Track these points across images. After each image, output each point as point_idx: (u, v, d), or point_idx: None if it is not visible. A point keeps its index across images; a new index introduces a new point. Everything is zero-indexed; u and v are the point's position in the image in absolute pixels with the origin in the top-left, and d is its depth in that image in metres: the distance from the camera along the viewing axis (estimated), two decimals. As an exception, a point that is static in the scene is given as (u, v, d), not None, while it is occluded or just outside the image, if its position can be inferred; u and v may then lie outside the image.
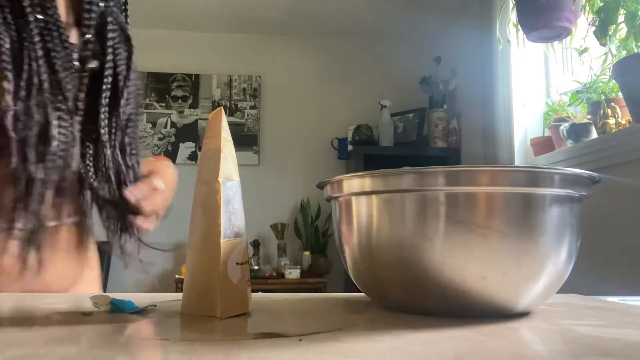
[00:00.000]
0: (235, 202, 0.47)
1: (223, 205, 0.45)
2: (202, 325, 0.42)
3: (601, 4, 1.47)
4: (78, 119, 0.71)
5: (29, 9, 0.67)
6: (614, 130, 1.62)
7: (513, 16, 1.74)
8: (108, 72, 0.75)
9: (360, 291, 0.53)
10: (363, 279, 0.49)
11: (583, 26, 1.57)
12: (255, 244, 3.33)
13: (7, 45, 0.65)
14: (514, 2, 1.70)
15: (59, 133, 0.67)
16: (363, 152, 3.19)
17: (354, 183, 0.47)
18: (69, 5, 0.76)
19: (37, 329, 0.38)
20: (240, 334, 0.39)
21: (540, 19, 1.54)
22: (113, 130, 0.75)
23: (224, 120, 0.48)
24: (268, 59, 3.58)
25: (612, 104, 1.65)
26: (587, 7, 1.54)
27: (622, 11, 1.42)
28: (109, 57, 0.75)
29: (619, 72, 1.50)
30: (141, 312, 0.46)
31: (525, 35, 1.67)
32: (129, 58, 0.78)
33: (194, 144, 3.48)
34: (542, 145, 2.15)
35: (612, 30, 1.45)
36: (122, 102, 0.75)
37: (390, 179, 0.44)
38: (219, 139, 0.47)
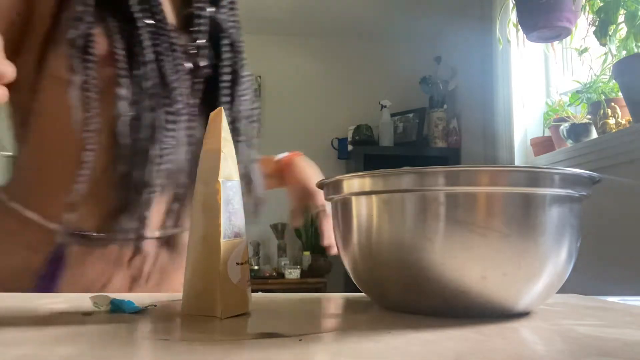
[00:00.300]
0: (235, 202, 0.47)
1: (223, 206, 0.45)
2: (202, 325, 0.42)
3: (601, 4, 1.47)
4: (188, 122, 0.70)
5: (138, 15, 0.67)
6: (614, 130, 1.62)
7: (513, 16, 1.74)
8: (224, 72, 0.75)
9: (360, 291, 0.53)
10: (363, 279, 0.49)
11: (583, 26, 1.57)
12: (255, 244, 3.33)
13: (122, 52, 0.65)
14: (514, 2, 1.70)
15: (167, 137, 0.67)
16: (363, 152, 3.19)
17: (354, 183, 0.47)
18: (177, 10, 0.76)
19: (37, 329, 0.38)
20: (240, 334, 0.39)
21: (540, 19, 1.54)
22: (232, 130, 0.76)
23: (224, 121, 0.48)
24: (268, 59, 3.58)
25: (612, 104, 1.65)
26: (587, 7, 1.54)
27: (622, 11, 1.42)
28: (223, 60, 0.75)
29: (619, 72, 1.50)
30: (141, 312, 0.46)
31: (525, 35, 1.67)
32: (240, 59, 0.79)
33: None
34: (542, 145, 2.15)
35: (612, 30, 1.45)
36: (237, 102, 0.76)
37: (390, 179, 0.44)
38: (218, 139, 0.47)
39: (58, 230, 0.67)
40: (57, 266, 0.67)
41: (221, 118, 0.48)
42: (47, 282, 0.67)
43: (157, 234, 0.72)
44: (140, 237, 0.68)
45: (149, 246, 0.71)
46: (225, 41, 0.77)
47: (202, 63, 0.74)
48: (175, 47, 0.70)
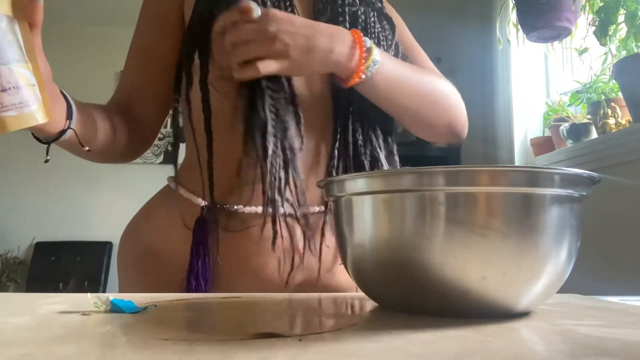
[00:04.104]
0: None
1: None
2: (202, 325, 0.42)
3: (601, 4, 1.47)
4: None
5: None
6: (614, 130, 1.62)
7: (513, 16, 1.75)
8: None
9: (360, 291, 0.53)
10: (363, 279, 0.49)
11: (583, 26, 1.57)
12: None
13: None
14: (514, 2, 1.70)
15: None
16: (363, 152, 3.18)
17: (354, 183, 0.47)
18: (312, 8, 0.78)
19: (37, 329, 0.38)
20: (240, 334, 0.39)
21: (540, 19, 1.55)
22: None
23: None
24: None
25: (612, 104, 1.65)
26: (587, 7, 1.54)
27: (622, 11, 1.42)
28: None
29: (619, 72, 1.50)
30: (141, 312, 0.46)
31: (525, 35, 1.67)
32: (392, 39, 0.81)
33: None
34: (542, 145, 2.15)
35: (612, 30, 1.45)
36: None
37: (390, 179, 0.44)
38: None
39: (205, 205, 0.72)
40: (203, 241, 0.71)
41: None
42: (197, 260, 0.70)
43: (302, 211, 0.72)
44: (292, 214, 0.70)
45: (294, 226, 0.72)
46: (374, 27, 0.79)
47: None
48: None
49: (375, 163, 0.76)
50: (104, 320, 0.42)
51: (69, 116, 0.62)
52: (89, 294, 0.48)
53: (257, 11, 0.64)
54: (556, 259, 0.43)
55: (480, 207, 0.41)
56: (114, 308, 0.46)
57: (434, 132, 0.82)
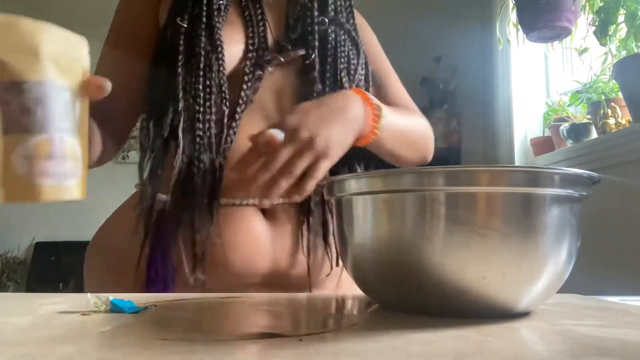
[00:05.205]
0: (38, 102, 0.46)
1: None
2: (202, 325, 0.42)
3: (601, 4, 1.47)
4: None
5: None
6: (614, 130, 1.62)
7: (513, 16, 1.75)
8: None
9: (360, 291, 0.53)
10: (363, 279, 0.49)
11: (583, 26, 1.57)
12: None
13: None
14: (514, 2, 1.70)
15: None
16: (363, 152, 3.18)
17: (353, 183, 0.47)
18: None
19: (37, 329, 0.38)
20: (240, 334, 0.39)
21: (540, 19, 1.55)
22: None
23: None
24: (268, 59, 3.57)
25: (612, 104, 1.65)
26: (587, 7, 1.54)
27: (622, 11, 1.42)
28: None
29: (619, 72, 1.50)
30: (141, 312, 0.46)
31: (525, 35, 1.67)
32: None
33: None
34: (542, 145, 2.15)
35: (612, 30, 1.45)
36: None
37: (390, 179, 0.44)
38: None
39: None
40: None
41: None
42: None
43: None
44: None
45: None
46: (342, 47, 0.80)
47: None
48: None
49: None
50: (104, 320, 0.42)
51: None
52: (89, 294, 0.48)
53: (279, 135, 0.62)
54: (556, 259, 0.43)
55: (480, 207, 0.41)
56: (114, 308, 0.46)
57: (406, 164, 0.85)
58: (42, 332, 0.37)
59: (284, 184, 0.62)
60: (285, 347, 0.33)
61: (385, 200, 0.44)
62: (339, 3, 0.82)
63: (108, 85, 0.49)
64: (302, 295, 0.62)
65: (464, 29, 2.93)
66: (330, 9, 0.80)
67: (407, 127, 0.81)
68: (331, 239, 0.75)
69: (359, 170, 0.79)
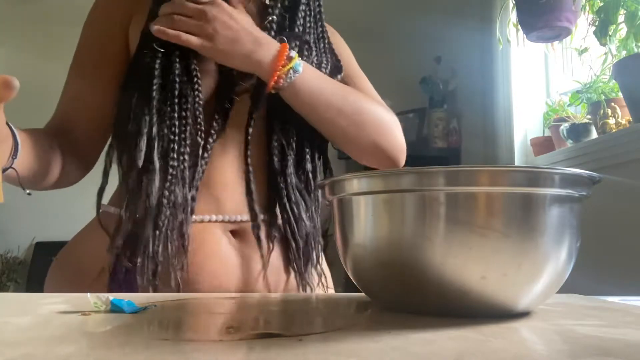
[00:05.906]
0: None
1: None
2: (202, 325, 0.42)
3: (601, 4, 1.47)
4: None
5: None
6: (614, 130, 1.62)
7: (513, 16, 1.74)
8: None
9: (360, 291, 0.53)
10: (363, 279, 0.49)
11: (583, 26, 1.57)
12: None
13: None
14: (514, 2, 1.70)
15: None
16: (363, 152, 3.18)
17: (353, 183, 0.47)
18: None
19: (37, 329, 0.38)
20: (240, 334, 0.39)
21: (540, 19, 1.54)
22: None
23: None
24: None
25: (612, 104, 1.65)
26: (587, 7, 1.54)
27: (622, 11, 1.42)
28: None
29: (619, 72, 1.50)
30: (141, 312, 0.46)
31: (525, 35, 1.67)
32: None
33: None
34: (542, 145, 2.15)
35: (612, 30, 1.45)
36: None
37: (390, 179, 0.44)
38: None
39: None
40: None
41: None
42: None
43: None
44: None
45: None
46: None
47: None
48: None
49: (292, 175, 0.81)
50: (104, 320, 0.42)
51: (14, 154, 0.62)
52: (89, 294, 0.48)
53: None
54: (556, 259, 0.43)
55: (480, 207, 0.41)
56: (114, 308, 0.46)
57: (358, 149, 0.85)
58: (42, 332, 0.37)
59: (163, 22, 0.70)
60: (285, 347, 0.33)
61: (385, 200, 0.44)
62: (308, 25, 0.83)
63: (15, 83, 0.48)
64: (302, 295, 0.62)
65: (464, 29, 2.93)
66: (299, 30, 0.81)
67: (339, 93, 0.79)
68: (295, 258, 0.77)
69: (315, 156, 0.84)
